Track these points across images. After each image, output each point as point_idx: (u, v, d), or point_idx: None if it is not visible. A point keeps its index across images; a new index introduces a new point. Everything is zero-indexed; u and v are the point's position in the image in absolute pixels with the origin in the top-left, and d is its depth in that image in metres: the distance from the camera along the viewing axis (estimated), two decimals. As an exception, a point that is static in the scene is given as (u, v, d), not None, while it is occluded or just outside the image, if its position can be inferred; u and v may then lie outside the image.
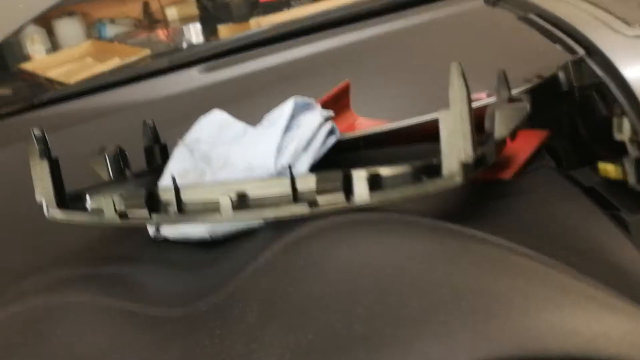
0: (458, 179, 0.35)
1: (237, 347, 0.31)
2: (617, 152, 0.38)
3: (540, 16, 0.43)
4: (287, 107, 0.47)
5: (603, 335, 0.24)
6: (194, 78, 0.80)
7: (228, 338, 0.32)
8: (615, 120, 0.37)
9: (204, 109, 0.53)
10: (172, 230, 0.47)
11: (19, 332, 0.36)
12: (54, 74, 1.12)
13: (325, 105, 0.49)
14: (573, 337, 0.24)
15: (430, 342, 0.24)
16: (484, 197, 0.42)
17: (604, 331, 0.24)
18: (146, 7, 1.47)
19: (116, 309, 0.37)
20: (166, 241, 0.48)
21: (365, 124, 0.58)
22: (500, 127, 0.41)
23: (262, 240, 0.41)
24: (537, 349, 0.23)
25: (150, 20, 1.47)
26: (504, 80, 0.45)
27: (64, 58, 1.25)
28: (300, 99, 0.47)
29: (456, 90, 0.35)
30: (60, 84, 1.07)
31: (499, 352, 0.23)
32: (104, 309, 0.37)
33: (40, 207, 0.44)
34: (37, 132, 0.44)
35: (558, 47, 0.40)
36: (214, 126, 0.51)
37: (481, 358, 0.23)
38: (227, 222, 0.41)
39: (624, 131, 0.37)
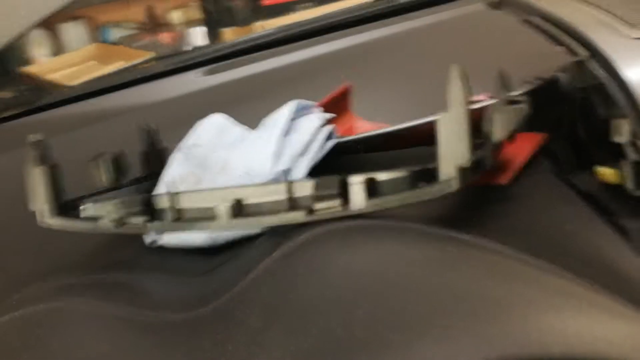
0: (455, 184, 0.35)
1: (238, 351, 0.31)
2: (615, 155, 0.38)
3: (543, 19, 0.42)
4: (285, 111, 0.47)
5: (604, 338, 0.24)
6: (196, 81, 0.80)
7: (229, 342, 0.32)
8: (614, 123, 0.37)
9: (206, 112, 0.53)
10: (170, 238, 0.47)
11: (19, 338, 0.36)
12: (57, 77, 1.13)
13: (325, 108, 0.49)
14: (574, 339, 0.24)
15: (431, 345, 0.24)
16: (481, 202, 0.42)
17: (605, 334, 0.24)
18: (150, 11, 1.48)
19: (116, 315, 0.37)
20: (165, 248, 0.48)
21: (364, 127, 0.58)
22: (497, 130, 0.41)
23: (261, 246, 0.41)
24: (538, 351, 0.23)
25: (154, 24, 1.48)
26: (504, 82, 0.45)
27: (68, 61, 1.25)
28: (299, 102, 0.47)
29: (454, 92, 0.35)
30: (64, 87, 1.08)
31: (501, 355, 0.23)
32: (103, 315, 0.37)
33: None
34: (33, 138, 0.44)
35: (561, 49, 0.40)
36: (212, 130, 0.51)
37: None
38: (225, 230, 0.41)
39: (622, 134, 0.37)
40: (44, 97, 0.84)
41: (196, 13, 1.45)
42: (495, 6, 0.50)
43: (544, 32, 0.42)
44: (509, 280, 0.29)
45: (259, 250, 0.40)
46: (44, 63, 1.27)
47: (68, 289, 0.42)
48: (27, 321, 0.38)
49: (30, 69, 1.21)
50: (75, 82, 1.05)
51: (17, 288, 0.43)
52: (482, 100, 0.49)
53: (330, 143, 0.46)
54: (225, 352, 0.31)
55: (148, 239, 0.48)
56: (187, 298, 0.39)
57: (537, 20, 0.43)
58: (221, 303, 0.36)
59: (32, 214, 0.44)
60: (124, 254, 0.48)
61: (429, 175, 0.36)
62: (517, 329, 0.24)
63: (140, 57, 1.19)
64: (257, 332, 0.31)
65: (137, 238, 0.48)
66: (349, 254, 0.33)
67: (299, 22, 0.88)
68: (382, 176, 0.37)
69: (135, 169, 0.52)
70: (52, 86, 1.10)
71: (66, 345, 0.35)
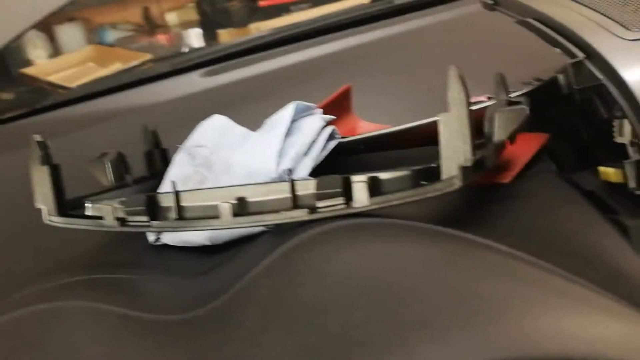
0: (457, 183, 0.35)
1: (237, 351, 0.31)
2: (617, 155, 0.38)
3: (538, 20, 0.43)
4: (287, 112, 0.47)
5: (602, 338, 0.24)
6: (194, 82, 0.80)
7: (228, 342, 0.32)
8: (615, 123, 0.37)
9: (205, 113, 0.53)
10: (172, 237, 0.47)
11: (19, 337, 0.36)
12: (55, 78, 1.13)
13: (326, 109, 0.50)
14: (572, 340, 0.24)
15: (430, 346, 0.24)
16: (483, 201, 0.42)
17: (603, 335, 0.25)
18: (147, 12, 1.48)
19: (116, 315, 0.37)
20: (166, 247, 0.48)
21: (366, 128, 0.58)
22: (499, 130, 0.41)
23: (262, 245, 0.41)
24: (536, 352, 0.23)
25: (151, 25, 1.47)
26: (502, 84, 0.45)
27: (65, 63, 1.25)
28: (300, 103, 0.48)
29: (455, 93, 0.35)
30: (62, 88, 1.08)
31: (499, 356, 0.23)
32: (103, 315, 0.37)
33: (41, 212, 0.44)
34: (37, 137, 0.44)
35: (557, 51, 0.40)
36: (215, 131, 0.51)
37: None
38: (228, 228, 0.41)
39: (624, 134, 0.37)
40: (44, 98, 0.84)
41: (193, 14, 1.45)
42: (491, 7, 0.50)
43: (540, 33, 0.42)
44: (508, 280, 0.29)
45: (259, 249, 0.40)
46: (41, 64, 1.27)
47: (68, 288, 0.42)
48: (27, 321, 0.38)
49: (29, 70, 1.21)
50: (74, 83, 1.05)
51: (17, 288, 0.43)
52: (482, 101, 0.49)
53: (333, 143, 0.46)
54: (223, 353, 0.31)
55: (151, 237, 0.48)
56: (186, 298, 0.39)
57: (532, 21, 0.43)
58: (220, 303, 0.36)
59: (33, 214, 0.44)
60: (124, 254, 0.48)
61: (431, 174, 0.36)
62: (515, 330, 0.24)
63: (137, 58, 1.19)
64: (255, 332, 0.31)
65: (138, 237, 0.48)
66: (349, 253, 0.34)
67: (297, 24, 0.88)
68: (384, 175, 0.37)
69: (137, 169, 0.52)
70: (51, 87, 1.10)
71: (66, 345, 0.35)
